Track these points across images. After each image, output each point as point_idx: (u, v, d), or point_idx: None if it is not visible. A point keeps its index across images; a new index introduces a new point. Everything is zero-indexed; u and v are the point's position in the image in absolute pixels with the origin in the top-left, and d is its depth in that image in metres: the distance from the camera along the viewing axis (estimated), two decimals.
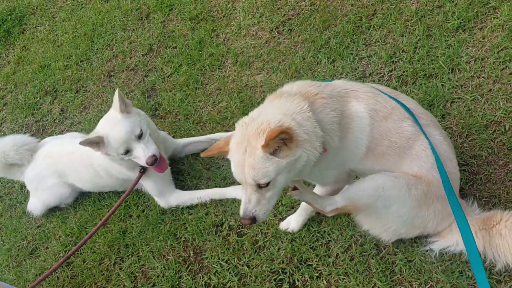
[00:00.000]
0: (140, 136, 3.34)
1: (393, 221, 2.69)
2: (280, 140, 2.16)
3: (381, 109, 2.51)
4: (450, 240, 2.72)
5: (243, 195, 2.33)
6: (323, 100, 2.41)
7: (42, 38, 5.93)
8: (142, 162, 3.34)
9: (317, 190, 2.93)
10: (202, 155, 2.53)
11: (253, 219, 2.31)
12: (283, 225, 3.27)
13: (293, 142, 2.18)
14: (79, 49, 5.44)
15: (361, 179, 2.66)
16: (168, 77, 4.66)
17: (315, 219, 3.22)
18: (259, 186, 2.27)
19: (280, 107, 2.32)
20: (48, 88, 5.23)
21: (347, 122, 2.48)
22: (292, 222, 3.22)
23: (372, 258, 2.97)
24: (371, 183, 2.57)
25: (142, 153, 3.32)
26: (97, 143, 3.30)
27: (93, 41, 5.46)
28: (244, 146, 2.23)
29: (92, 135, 3.30)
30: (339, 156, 2.57)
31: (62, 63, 5.38)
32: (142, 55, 4.98)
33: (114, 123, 3.30)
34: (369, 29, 4.03)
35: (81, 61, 5.32)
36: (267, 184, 2.25)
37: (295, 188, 2.64)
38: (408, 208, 2.59)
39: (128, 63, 4.99)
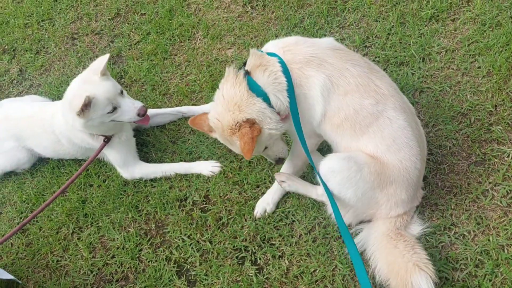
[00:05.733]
0: (121, 93, 3.33)
1: (349, 203, 2.78)
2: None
3: (343, 84, 2.65)
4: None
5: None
6: (262, 68, 2.69)
7: None
8: (132, 114, 3.32)
9: (286, 164, 3.21)
10: (190, 123, 2.99)
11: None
12: (259, 211, 3.25)
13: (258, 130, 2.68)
14: (41, 7, 5.18)
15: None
16: (135, 44, 4.52)
17: (281, 200, 3.24)
18: None
19: (228, 100, 2.70)
20: (6, 47, 4.98)
21: (305, 87, 2.69)
22: (271, 204, 3.23)
23: (335, 241, 3.02)
24: (322, 169, 2.74)
25: (132, 105, 3.32)
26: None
27: (56, 0, 5.21)
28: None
29: (75, 100, 3.17)
30: (304, 116, 2.79)
31: (22, 21, 5.11)
32: (109, 19, 4.80)
33: (97, 84, 3.22)
34: (343, 11, 4.02)
35: (42, 21, 5.08)
36: None
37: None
38: (361, 189, 2.69)
39: (94, 26, 4.80)
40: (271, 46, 2.87)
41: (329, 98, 2.66)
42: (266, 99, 2.69)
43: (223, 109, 2.70)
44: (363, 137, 2.69)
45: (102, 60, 3.29)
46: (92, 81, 3.24)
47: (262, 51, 2.78)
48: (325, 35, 3.91)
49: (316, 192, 3.09)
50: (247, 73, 2.70)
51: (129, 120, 3.38)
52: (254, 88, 2.68)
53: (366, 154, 2.69)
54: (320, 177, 2.74)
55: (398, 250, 2.64)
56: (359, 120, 2.66)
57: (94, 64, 3.33)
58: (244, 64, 2.80)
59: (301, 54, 2.70)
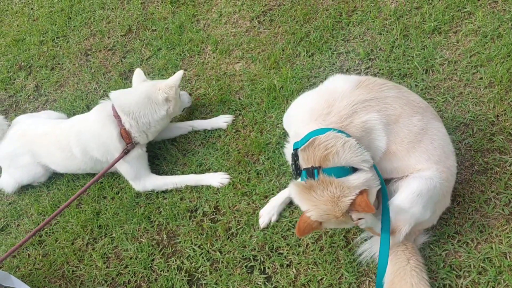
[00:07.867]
0: None
1: (421, 220, 2.74)
2: None
3: (392, 112, 2.64)
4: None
5: None
6: (333, 152, 2.53)
7: (17, 11, 5.81)
8: (188, 98, 4.01)
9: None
10: (300, 235, 2.70)
11: None
12: (265, 221, 3.32)
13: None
14: (56, 25, 5.35)
15: (396, 194, 2.71)
16: (146, 60, 4.66)
17: (286, 209, 3.32)
18: None
19: (322, 201, 2.51)
20: (22, 63, 5.15)
21: (368, 133, 2.65)
22: (275, 215, 3.31)
23: (341, 250, 3.09)
24: (408, 195, 2.64)
25: (183, 91, 4.03)
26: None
27: (70, 18, 5.38)
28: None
29: (170, 80, 3.70)
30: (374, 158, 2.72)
31: (38, 38, 5.28)
32: (121, 35, 4.95)
33: (160, 80, 3.86)
34: (348, 25, 4.12)
35: (57, 38, 5.24)
36: None
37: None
38: (435, 203, 2.70)
39: (106, 43, 4.96)
40: (302, 125, 2.71)
41: (388, 131, 2.64)
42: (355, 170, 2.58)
43: (328, 207, 2.49)
44: (414, 154, 2.66)
45: (139, 72, 3.91)
46: (164, 81, 3.76)
47: (307, 138, 2.60)
48: (330, 49, 4.01)
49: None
50: (320, 168, 2.54)
51: (187, 104, 3.98)
52: (342, 173, 2.52)
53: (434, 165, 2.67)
54: (387, 214, 2.64)
55: (410, 266, 2.70)
56: (412, 138, 2.64)
57: (138, 76, 3.89)
58: (296, 166, 2.68)
59: (343, 110, 2.61)
